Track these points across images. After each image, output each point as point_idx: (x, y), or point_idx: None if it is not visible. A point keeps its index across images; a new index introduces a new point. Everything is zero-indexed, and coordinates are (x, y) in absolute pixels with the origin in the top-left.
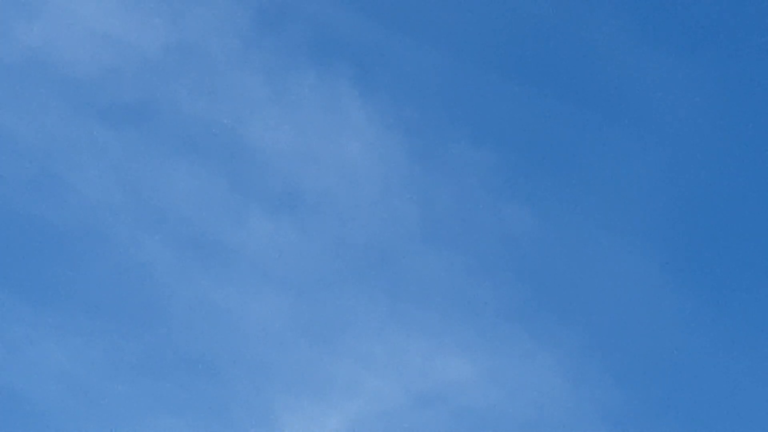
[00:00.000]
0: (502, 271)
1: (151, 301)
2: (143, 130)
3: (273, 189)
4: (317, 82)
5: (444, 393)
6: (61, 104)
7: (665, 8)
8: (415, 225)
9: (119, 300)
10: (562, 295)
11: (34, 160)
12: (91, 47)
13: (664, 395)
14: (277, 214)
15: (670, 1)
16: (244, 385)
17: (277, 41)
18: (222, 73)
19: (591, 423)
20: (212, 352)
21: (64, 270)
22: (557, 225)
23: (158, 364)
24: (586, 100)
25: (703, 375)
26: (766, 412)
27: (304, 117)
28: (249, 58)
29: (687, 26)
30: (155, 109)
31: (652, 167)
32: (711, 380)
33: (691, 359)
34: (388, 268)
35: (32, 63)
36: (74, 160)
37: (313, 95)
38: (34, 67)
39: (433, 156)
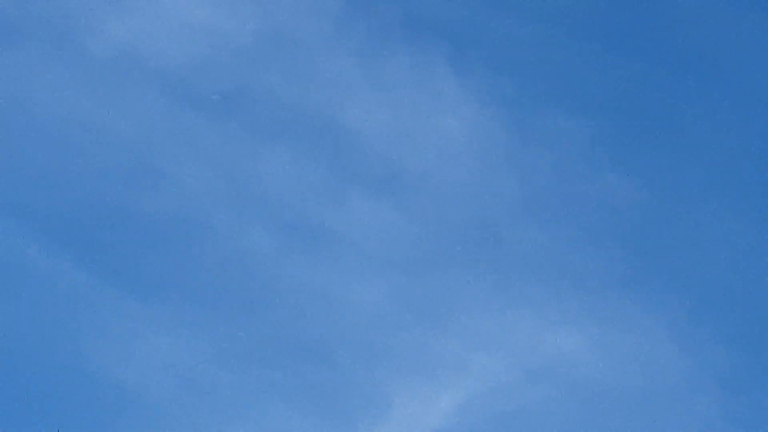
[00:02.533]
0: (606, 241)
1: (256, 289)
2: (239, 118)
3: (372, 171)
4: (411, 62)
5: (554, 367)
6: (157, 96)
7: None
8: (517, 199)
9: (224, 289)
10: (669, 263)
11: (133, 153)
12: (184, 38)
13: None
14: (378, 195)
15: None
16: (353, 369)
17: (369, 23)
18: (315, 57)
19: (704, 389)
20: (320, 337)
21: (169, 262)
22: (660, 192)
23: (266, 351)
24: (684, 65)
25: None
26: None
27: (399, 97)
28: (342, 42)
29: None
30: (250, 97)
31: (753, 132)
32: None
33: None
34: (492, 244)
35: (126, 57)
36: (172, 152)
37: (408, 75)
38: (127, 61)
39: (530, 129)
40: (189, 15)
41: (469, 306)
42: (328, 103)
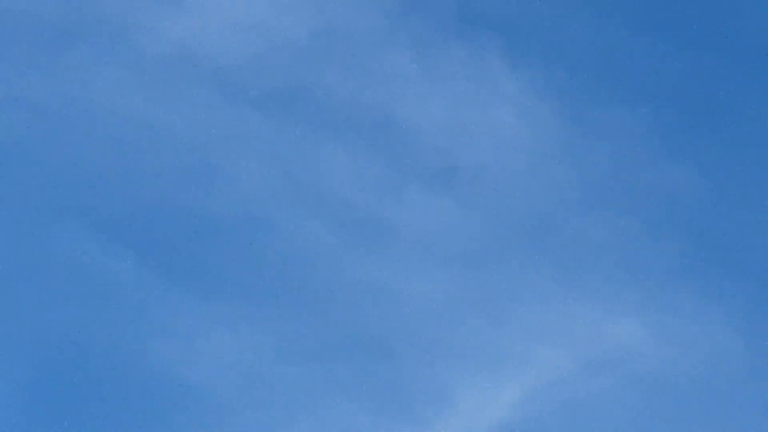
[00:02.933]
0: (665, 231)
1: (316, 285)
2: (296, 115)
3: (429, 165)
4: (465, 55)
5: (616, 358)
6: (214, 95)
7: None
8: (575, 190)
9: (285, 286)
10: (729, 251)
11: (191, 152)
12: (240, 37)
13: None
14: (435, 189)
15: None
16: (415, 363)
17: (423, 17)
18: (370, 53)
19: (767, 378)
20: (381, 332)
21: (230, 261)
22: (719, 180)
23: (329, 347)
24: (742, 53)
25: None
26: None
27: (454, 91)
28: (396, 37)
29: None
30: (306, 93)
31: None
32: None
33: None
34: (551, 235)
35: (182, 56)
36: (231, 150)
37: (463, 68)
38: (183, 60)
39: (587, 120)
40: (244, 13)
41: (530, 298)
42: (383, 98)
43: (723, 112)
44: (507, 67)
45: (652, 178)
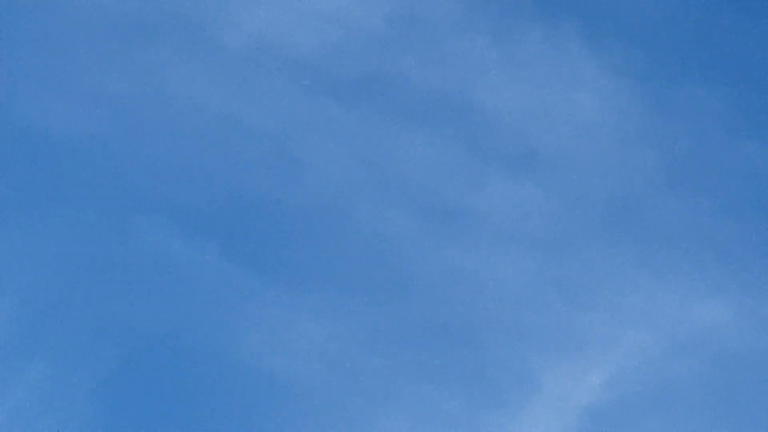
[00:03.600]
0: (748, 210)
1: (399, 273)
2: (375, 103)
3: (509, 150)
4: (544, 39)
5: (702, 338)
6: (292, 86)
7: None
8: (656, 171)
9: (368, 275)
10: None
11: (271, 144)
12: (316, 26)
13: None
14: (516, 174)
15: None
16: (500, 348)
17: (500, 2)
18: (448, 39)
19: None
20: (465, 318)
21: (312, 251)
22: None
23: (413, 334)
24: None
25: None
26: None
27: (533, 75)
28: (473, 22)
29: None
30: (385, 81)
31: None
32: None
33: None
34: (633, 217)
35: (260, 48)
36: (309, 140)
37: (541, 52)
38: (262, 52)
39: (667, 100)
40: (321, 2)
41: (613, 281)
42: (462, 84)
43: None
44: (585, 49)
45: (733, 158)
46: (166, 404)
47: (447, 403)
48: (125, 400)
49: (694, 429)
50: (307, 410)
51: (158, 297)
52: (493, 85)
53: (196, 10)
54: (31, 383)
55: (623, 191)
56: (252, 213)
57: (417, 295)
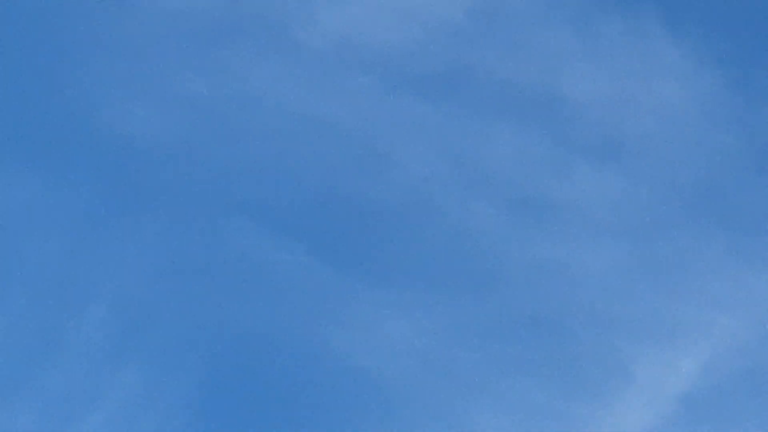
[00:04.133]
0: None
1: (487, 266)
2: (459, 97)
3: (594, 139)
4: (625, 27)
5: None
6: (375, 83)
7: None
8: (742, 156)
9: (456, 269)
10: None
11: (355, 141)
12: (397, 23)
13: None
14: (601, 163)
15: None
16: (591, 338)
17: None
18: (529, 30)
19: None
20: (555, 309)
21: (400, 247)
22: None
23: (502, 327)
24: None
25: None
26: None
27: (616, 63)
28: (554, 13)
29: None
30: (468, 75)
31: None
32: None
33: None
34: (721, 203)
35: (341, 46)
36: (395, 137)
37: (622, 40)
38: (343, 49)
39: (750, 85)
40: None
41: (703, 267)
42: (545, 76)
43: None
44: (667, 36)
45: None
46: (259, 405)
47: (539, 395)
48: (219, 402)
49: None
50: (398, 406)
51: (248, 298)
52: (576, 75)
53: (277, 10)
54: (125, 389)
55: (710, 177)
56: (339, 211)
57: (506, 288)
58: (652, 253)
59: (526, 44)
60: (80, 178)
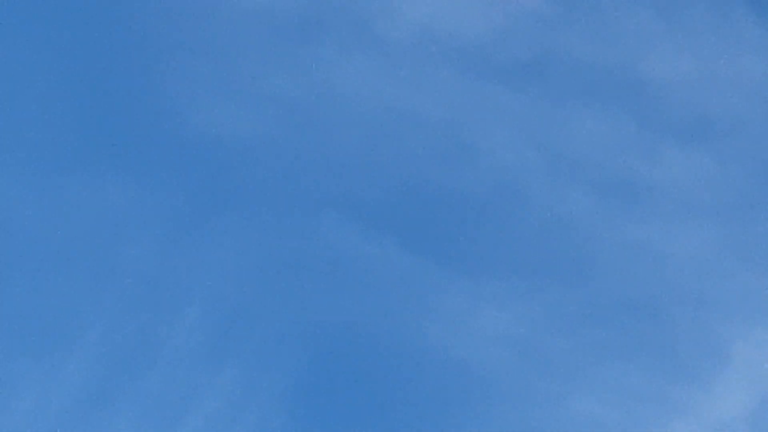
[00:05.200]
0: None
1: (579, 252)
2: (543, 84)
3: (682, 120)
4: (709, 6)
5: None
6: (460, 73)
7: None
8: None
9: (548, 256)
10: None
11: (443, 133)
12: (478, 12)
13: None
14: (690, 144)
15: None
16: (687, 321)
17: None
18: (612, 14)
19: None
20: (649, 292)
21: (491, 237)
22: None
23: (597, 312)
24: None
25: None
26: None
27: (700, 43)
28: None
29: None
30: (552, 61)
31: None
32: None
33: None
34: None
35: (424, 37)
36: (481, 126)
37: (706, 20)
38: (426, 41)
39: None
40: None
41: None
42: (629, 58)
43: None
44: (751, 14)
45: None
46: (357, 400)
47: (637, 380)
48: (317, 398)
49: None
50: (496, 395)
51: (342, 294)
52: (660, 56)
53: (359, 5)
54: (222, 390)
55: None
56: (429, 203)
57: (599, 273)
58: (745, 233)
59: (609, 27)
60: (171, 179)
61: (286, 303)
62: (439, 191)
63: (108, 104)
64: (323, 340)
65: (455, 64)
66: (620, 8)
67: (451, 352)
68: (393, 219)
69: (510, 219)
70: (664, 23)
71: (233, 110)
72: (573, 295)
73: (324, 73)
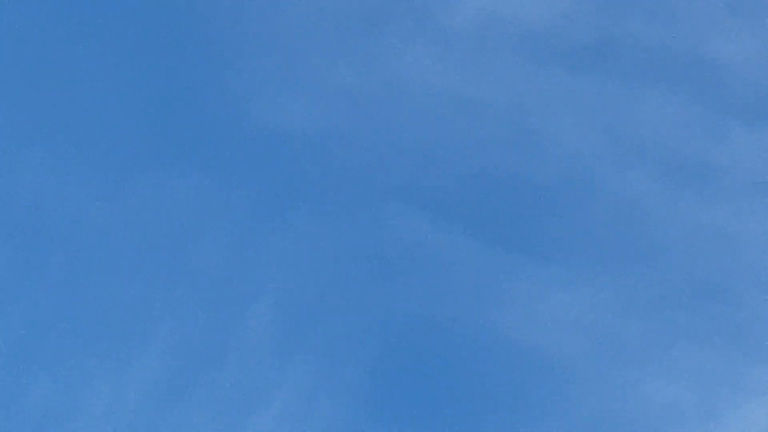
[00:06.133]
0: None
1: (648, 235)
2: (607, 67)
3: (747, 99)
4: None
5: None
6: (523, 59)
7: None
8: None
9: (617, 240)
10: None
11: (508, 119)
12: None
13: None
14: (756, 123)
15: None
16: (759, 301)
17: None
18: None
19: None
20: (720, 273)
21: (559, 222)
22: None
23: (670, 295)
24: None
25: None
26: None
27: (764, 23)
28: None
29: None
30: (615, 44)
31: None
32: None
33: None
34: None
35: (486, 25)
36: (546, 112)
37: None
38: (488, 28)
39: None
40: None
41: None
42: (693, 38)
43: None
44: None
45: None
46: (430, 390)
47: (711, 362)
48: (389, 390)
49: None
50: (570, 381)
51: (411, 284)
52: (724, 36)
53: None
54: (296, 382)
55: None
56: (495, 190)
57: (669, 255)
58: None
59: (673, 8)
60: (241, 174)
61: (356, 295)
62: (506, 178)
63: (178, 101)
64: (394, 331)
65: (519, 50)
66: None
67: (524, 339)
68: (461, 207)
69: (578, 203)
70: (727, 3)
71: (300, 104)
72: (644, 278)
73: (388, 64)
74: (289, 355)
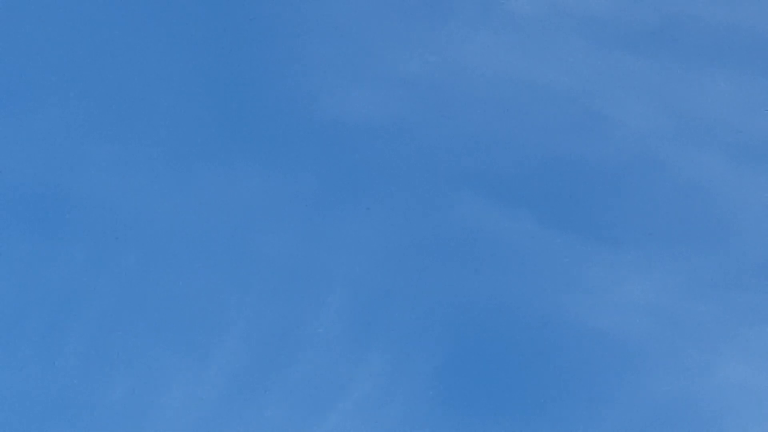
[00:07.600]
0: None
1: (717, 216)
2: (672, 49)
3: None
4: None
5: None
6: (587, 43)
7: None
8: None
9: (686, 222)
10: None
11: (573, 104)
12: None
13: None
14: None
15: None
16: None
17: None
18: None
19: None
20: None
21: (627, 206)
22: None
23: (740, 275)
24: None
25: None
26: None
27: None
28: None
29: None
30: (679, 26)
31: None
32: None
33: None
34: None
35: (550, 10)
36: (612, 95)
37: None
38: (553, 13)
39: None
40: None
41: None
42: (758, 18)
43: None
44: None
45: None
46: (504, 377)
47: None
48: (463, 379)
49: None
50: (642, 365)
51: (482, 271)
52: None
53: None
54: (370, 375)
55: None
56: (563, 175)
57: (739, 236)
58: None
59: None
60: (307, 165)
61: (427, 284)
62: (574, 162)
63: (241, 92)
64: (466, 319)
65: (584, 35)
66: None
67: (595, 323)
68: (529, 193)
69: (646, 186)
70: None
71: (365, 93)
72: (714, 260)
73: (453, 52)
74: (362, 347)
